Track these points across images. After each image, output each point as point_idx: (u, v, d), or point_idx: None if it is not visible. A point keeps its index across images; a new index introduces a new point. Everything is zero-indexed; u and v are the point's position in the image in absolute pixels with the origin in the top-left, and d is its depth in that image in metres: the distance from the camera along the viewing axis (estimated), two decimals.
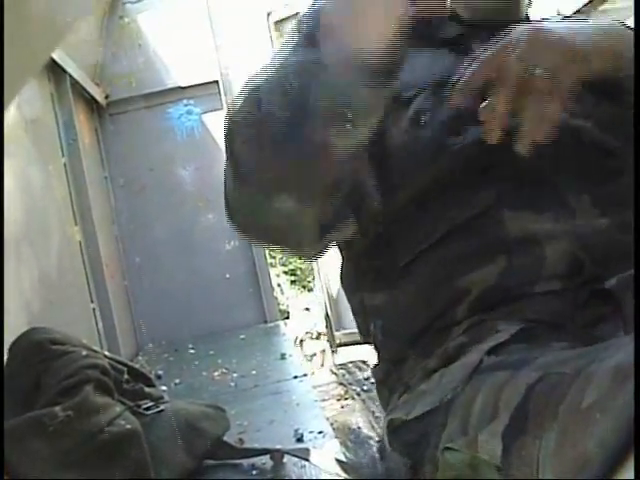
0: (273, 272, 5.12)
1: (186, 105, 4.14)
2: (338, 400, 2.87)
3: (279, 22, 3.86)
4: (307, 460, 1.36)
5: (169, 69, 4.10)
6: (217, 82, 4.07)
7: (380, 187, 0.85)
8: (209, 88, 4.09)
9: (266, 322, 3.90)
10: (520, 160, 0.75)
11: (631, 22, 0.87)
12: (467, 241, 0.82)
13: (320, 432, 1.67)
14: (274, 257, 5.70)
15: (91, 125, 3.92)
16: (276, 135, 0.68)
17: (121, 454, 1.19)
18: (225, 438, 1.47)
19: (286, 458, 1.41)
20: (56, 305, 2.52)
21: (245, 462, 1.43)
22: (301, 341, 3.79)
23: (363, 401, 2.75)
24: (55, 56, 2.87)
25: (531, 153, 0.73)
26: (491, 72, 0.74)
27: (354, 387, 2.98)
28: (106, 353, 1.47)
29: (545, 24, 0.78)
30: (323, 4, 0.68)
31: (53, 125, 3.09)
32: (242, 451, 1.46)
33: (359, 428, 2.32)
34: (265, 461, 1.42)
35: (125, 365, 1.43)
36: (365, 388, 2.89)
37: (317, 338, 3.76)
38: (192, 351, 3.47)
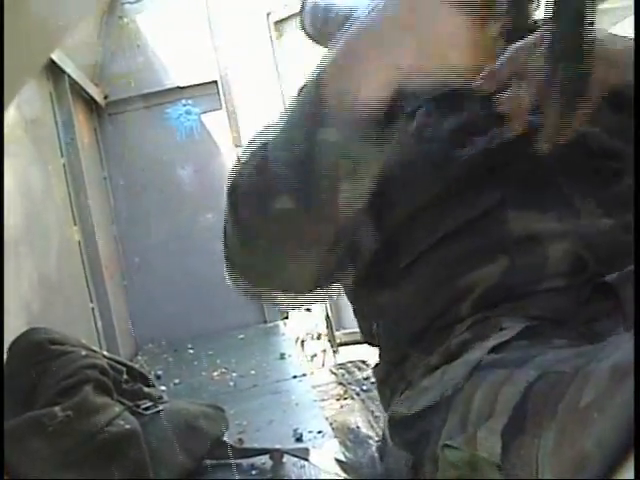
0: None
1: (185, 105, 4.14)
2: (337, 400, 2.87)
3: (279, 22, 3.86)
4: (306, 460, 1.36)
5: (168, 69, 4.09)
6: (216, 82, 4.07)
7: (384, 202, 0.85)
8: (208, 88, 4.09)
9: (265, 322, 3.90)
10: (524, 163, 0.75)
11: (631, 22, 0.88)
12: (470, 240, 0.82)
13: (319, 432, 1.67)
14: None
15: (90, 125, 3.92)
16: (281, 194, 0.69)
17: (120, 454, 1.19)
18: (224, 438, 1.47)
19: (285, 458, 1.41)
20: (55, 305, 2.52)
21: (244, 462, 1.43)
22: (302, 342, 3.79)
23: (362, 401, 2.75)
24: (54, 56, 2.87)
25: (547, 152, 0.73)
26: (520, 66, 0.75)
27: (353, 387, 2.98)
28: (105, 353, 1.47)
29: None
30: (326, 60, 0.68)
31: (52, 125, 3.09)
32: (241, 451, 1.46)
33: (358, 427, 2.32)
34: (264, 461, 1.42)
35: (124, 365, 1.43)
36: (364, 388, 2.89)
37: (318, 338, 3.76)
38: (191, 351, 3.47)
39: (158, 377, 2.76)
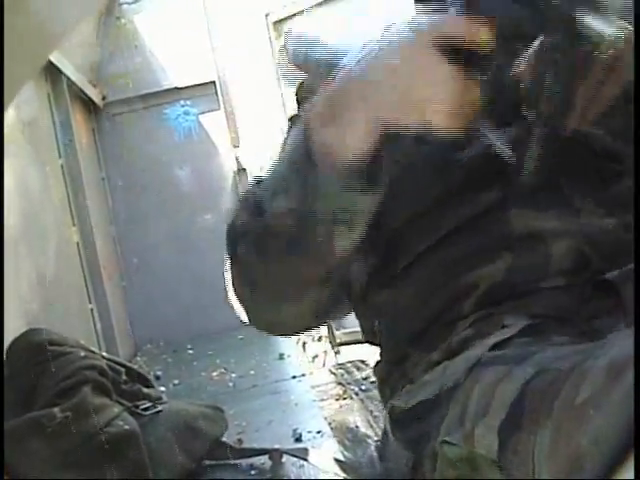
0: None
1: (183, 106, 4.14)
2: (337, 400, 2.87)
3: (277, 22, 3.86)
4: (306, 460, 1.36)
5: (166, 70, 4.10)
6: (214, 83, 4.07)
7: (383, 209, 0.86)
8: (206, 89, 4.09)
9: None
10: (525, 165, 0.75)
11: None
12: (472, 239, 0.82)
13: (319, 432, 1.67)
14: None
15: (88, 126, 3.92)
16: (278, 242, 0.73)
17: (119, 455, 1.19)
18: (224, 438, 1.47)
19: (285, 458, 1.41)
20: (54, 306, 2.52)
21: (244, 462, 1.43)
22: (304, 343, 3.80)
23: (361, 401, 2.75)
24: (52, 57, 2.87)
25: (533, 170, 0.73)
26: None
27: (352, 387, 2.98)
28: (104, 354, 1.48)
29: None
30: (314, 106, 0.71)
31: (50, 126, 3.09)
32: (241, 451, 1.46)
33: (357, 427, 2.32)
34: (264, 461, 1.42)
35: (123, 366, 1.43)
36: (364, 388, 2.89)
37: (319, 340, 3.77)
38: (191, 351, 3.47)
39: (157, 378, 2.76)
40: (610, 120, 0.80)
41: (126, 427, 1.22)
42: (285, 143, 0.79)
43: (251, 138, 3.99)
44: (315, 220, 0.70)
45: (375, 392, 2.61)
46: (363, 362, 3.29)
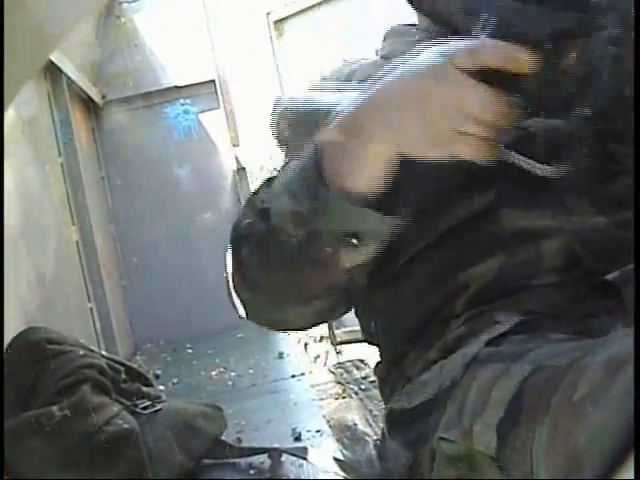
0: None
1: (183, 104, 4.14)
2: (336, 399, 2.87)
3: (279, 21, 3.85)
4: (305, 459, 1.36)
5: (166, 68, 4.10)
6: (214, 81, 4.07)
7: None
8: (206, 87, 4.09)
9: None
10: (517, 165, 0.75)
11: None
12: (465, 239, 0.83)
13: (318, 431, 1.67)
14: None
15: (88, 125, 3.92)
16: (283, 250, 0.73)
17: (118, 454, 1.19)
18: (223, 437, 1.47)
19: (284, 457, 1.41)
20: (53, 305, 2.52)
21: (243, 461, 1.43)
22: (305, 344, 3.81)
23: (361, 400, 2.75)
24: (52, 56, 2.87)
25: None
26: None
27: (352, 386, 2.98)
28: (103, 353, 1.48)
29: None
30: (327, 132, 0.70)
31: (50, 125, 3.09)
32: (240, 450, 1.46)
33: (356, 425, 2.32)
34: (263, 460, 1.42)
35: (122, 365, 1.43)
36: (363, 387, 2.89)
37: (320, 341, 3.78)
38: (190, 350, 3.47)
39: (157, 377, 2.76)
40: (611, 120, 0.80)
41: (125, 426, 1.22)
42: (293, 162, 0.78)
43: (251, 137, 4.00)
44: (322, 237, 0.70)
45: (374, 391, 2.61)
46: (362, 361, 3.30)
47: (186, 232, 4.07)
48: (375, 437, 2.04)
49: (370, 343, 1.00)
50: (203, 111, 4.14)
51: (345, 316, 1.01)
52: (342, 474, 1.21)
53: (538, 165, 0.68)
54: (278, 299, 0.81)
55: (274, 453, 1.41)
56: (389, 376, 0.93)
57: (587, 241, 0.78)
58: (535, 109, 0.67)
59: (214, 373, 2.76)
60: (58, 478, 1.12)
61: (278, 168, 0.91)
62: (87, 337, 2.87)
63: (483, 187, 0.82)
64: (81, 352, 1.32)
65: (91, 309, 3.16)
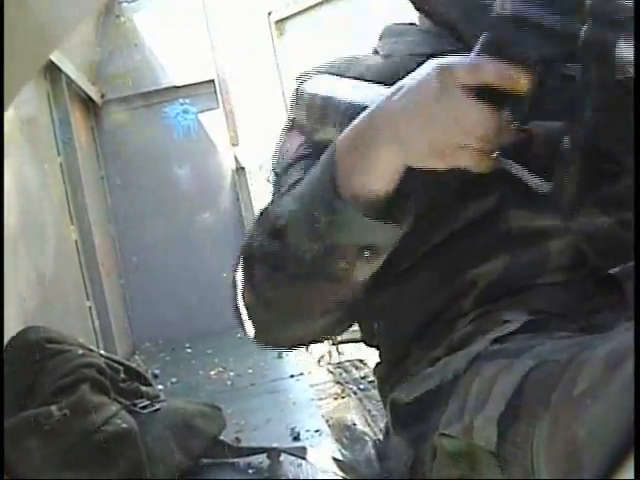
0: None
1: (182, 104, 4.14)
2: (335, 399, 2.87)
3: (280, 21, 3.85)
4: (304, 458, 1.36)
5: (165, 68, 4.09)
6: (213, 81, 4.07)
7: None
8: (205, 87, 4.09)
9: None
10: (522, 165, 0.76)
11: None
12: (471, 239, 0.83)
13: (317, 430, 1.67)
14: None
15: (87, 124, 3.92)
16: (298, 266, 0.74)
17: (117, 453, 1.19)
18: (222, 437, 1.47)
19: (283, 457, 1.41)
20: (52, 304, 2.52)
21: (242, 461, 1.43)
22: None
23: (360, 400, 2.75)
24: (51, 56, 2.87)
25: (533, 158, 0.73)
26: None
27: (351, 386, 2.98)
28: (102, 352, 1.48)
29: None
30: (340, 141, 0.71)
31: (49, 124, 3.09)
32: (239, 450, 1.46)
33: (354, 425, 2.32)
34: (262, 460, 1.42)
35: (121, 364, 1.43)
36: (362, 387, 2.89)
37: (321, 341, 3.79)
38: (189, 350, 3.47)
39: (155, 376, 2.76)
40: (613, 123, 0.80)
41: (124, 425, 1.22)
42: (282, 149, 0.78)
43: (250, 137, 3.99)
44: (337, 250, 0.71)
45: (373, 391, 2.61)
46: (361, 361, 3.30)
47: (185, 231, 4.06)
48: (374, 437, 2.04)
49: (369, 345, 1.00)
50: (202, 111, 4.14)
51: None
52: (341, 473, 1.21)
53: (535, 180, 0.69)
54: (293, 315, 0.82)
55: (273, 453, 1.41)
56: (390, 377, 0.93)
57: (593, 240, 0.78)
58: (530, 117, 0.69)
59: (213, 373, 2.76)
60: (57, 477, 1.12)
61: (277, 157, 0.91)
62: (86, 336, 2.87)
63: (488, 188, 0.82)
64: (80, 351, 1.32)
65: (90, 308, 3.16)
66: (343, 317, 0.85)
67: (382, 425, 1.77)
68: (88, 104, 3.93)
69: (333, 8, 3.60)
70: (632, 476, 0.44)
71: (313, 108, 0.85)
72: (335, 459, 1.29)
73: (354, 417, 2.47)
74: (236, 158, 4.09)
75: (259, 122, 3.70)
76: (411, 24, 1.02)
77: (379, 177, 0.69)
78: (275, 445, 1.46)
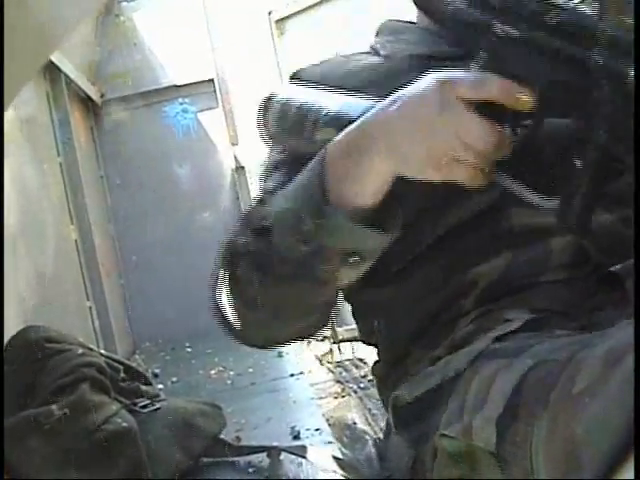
0: None
1: (182, 103, 4.14)
2: (335, 398, 2.87)
3: (280, 20, 3.85)
4: (304, 457, 1.36)
5: (165, 67, 4.09)
6: (212, 80, 4.06)
7: None
8: (205, 86, 4.09)
9: None
10: (523, 162, 0.76)
11: None
12: (472, 237, 0.83)
13: (317, 429, 1.67)
14: None
15: (87, 124, 3.92)
16: (283, 267, 0.74)
17: (117, 452, 1.19)
18: (222, 436, 1.47)
19: (283, 455, 1.41)
20: (52, 304, 2.52)
21: (242, 460, 1.43)
22: (308, 342, 3.82)
23: (360, 398, 2.75)
24: (51, 56, 2.87)
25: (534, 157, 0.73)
26: None
27: (351, 385, 2.98)
28: (102, 351, 1.47)
29: None
30: (331, 148, 0.72)
31: (49, 124, 3.09)
32: (239, 449, 1.46)
33: (355, 424, 2.32)
34: (262, 459, 1.42)
35: (121, 363, 1.43)
36: (362, 386, 2.89)
37: (322, 340, 3.80)
38: (189, 349, 3.47)
39: (155, 375, 2.76)
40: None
41: (124, 424, 1.22)
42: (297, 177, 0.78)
43: (250, 136, 3.99)
44: (323, 254, 0.71)
45: (373, 390, 2.61)
46: (361, 360, 3.30)
47: (185, 231, 4.06)
48: (375, 436, 2.04)
49: (367, 343, 1.00)
50: (202, 110, 4.14)
51: (347, 314, 1.01)
52: (341, 472, 1.21)
53: (534, 197, 0.70)
54: (273, 315, 0.82)
55: (273, 452, 1.41)
56: (389, 377, 0.93)
57: (595, 237, 0.79)
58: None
59: (213, 372, 2.76)
60: (57, 476, 1.12)
61: (262, 167, 0.91)
62: (86, 336, 2.87)
63: (490, 185, 0.83)
64: (80, 351, 1.32)
65: (90, 308, 3.16)
66: (323, 319, 0.85)
67: (382, 424, 1.77)
68: (88, 104, 3.93)
69: (333, 7, 3.60)
70: (632, 476, 0.44)
71: (286, 117, 0.85)
72: (335, 458, 1.28)
73: (354, 416, 2.48)
74: (236, 157, 4.09)
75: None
76: (408, 22, 1.02)
77: (370, 185, 0.69)
78: (275, 444, 1.46)
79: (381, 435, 1.03)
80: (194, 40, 4.00)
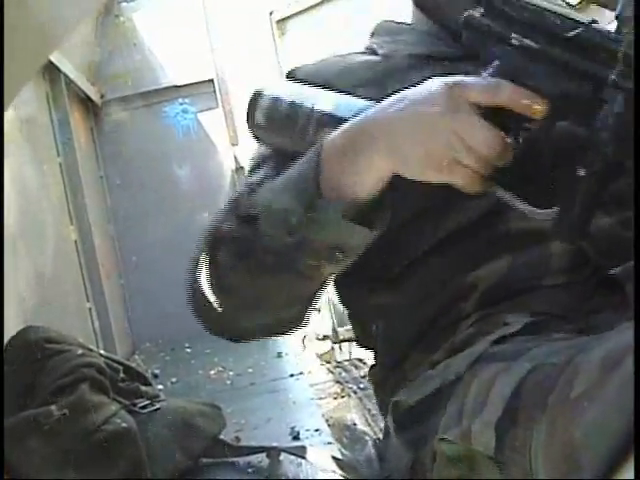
0: None
1: (182, 104, 4.14)
2: (335, 398, 2.88)
3: (281, 21, 3.85)
4: (303, 458, 1.36)
5: (165, 68, 4.09)
6: (212, 81, 4.06)
7: None
8: (205, 87, 4.09)
9: None
10: (522, 165, 0.76)
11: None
12: (472, 240, 0.83)
13: (316, 430, 1.67)
14: None
15: (86, 124, 3.92)
16: (267, 256, 0.73)
17: (117, 453, 1.19)
18: (221, 436, 1.47)
19: (282, 456, 1.41)
20: (52, 304, 2.52)
21: (241, 460, 1.43)
22: (308, 340, 3.83)
23: (360, 399, 2.75)
24: (50, 56, 2.86)
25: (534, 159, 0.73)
26: None
27: (350, 385, 2.99)
28: (102, 352, 1.47)
29: None
30: (327, 143, 0.71)
31: (48, 125, 3.09)
32: (238, 449, 1.46)
33: (355, 424, 2.32)
34: (261, 459, 1.41)
35: (121, 364, 1.43)
36: (362, 386, 2.89)
37: (323, 339, 3.80)
38: (188, 350, 3.47)
39: (155, 376, 2.76)
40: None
41: (124, 425, 1.22)
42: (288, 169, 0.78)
43: (250, 136, 3.99)
44: (309, 246, 0.70)
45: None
46: (361, 360, 3.30)
47: (185, 231, 4.05)
48: (374, 436, 2.04)
49: (365, 347, 1.00)
50: (202, 110, 4.14)
51: (347, 314, 1.00)
52: (341, 472, 1.21)
53: (529, 208, 0.70)
54: (252, 305, 0.81)
55: (273, 452, 1.40)
56: (387, 381, 0.93)
57: (594, 240, 0.78)
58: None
59: (213, 372, 2.76)
60: (57, 477, 1.12)
61: (250, 161, 0.91)
62: (86, 336, 2.86)
63: (484, 193, 0.83)
64: (79, 351, 1.32)
65: (90, 308, 3.16)
66: (306, 311, 0.84)
67: (382, 424, 1.77)
68: (87, 104, 3.93)
69: (334, 7, 3.61)
70: (632, 476, 0.44)
71: (276, 113, 0.85)
72: (335, 458, 1.28)
73: (354, 416, 2.48)
74: (236, 158, 4.09)
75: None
76: (404, 23, 1.02)
77: (366, 183, 0.69)
78: (275, 444, 1.45)
79: (380, 436, 1.03)
80: (194, 40, 4.00)
